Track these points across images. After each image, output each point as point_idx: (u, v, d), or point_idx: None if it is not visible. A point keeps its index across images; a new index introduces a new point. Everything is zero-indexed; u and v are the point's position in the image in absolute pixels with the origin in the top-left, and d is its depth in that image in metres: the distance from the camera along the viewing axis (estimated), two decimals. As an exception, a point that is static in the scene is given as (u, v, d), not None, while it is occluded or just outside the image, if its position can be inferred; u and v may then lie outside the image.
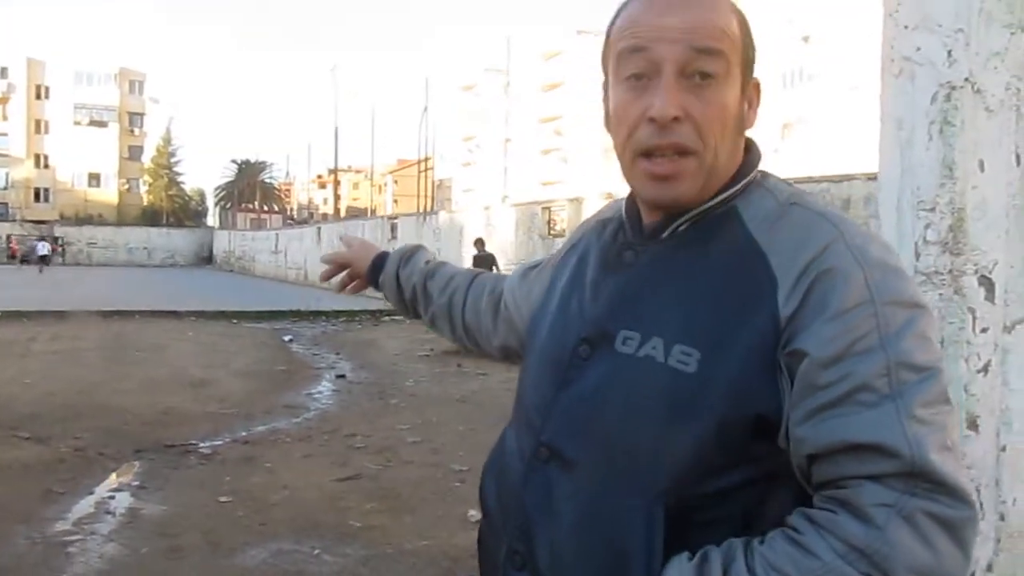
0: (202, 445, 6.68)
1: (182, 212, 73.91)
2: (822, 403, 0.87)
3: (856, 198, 9.77)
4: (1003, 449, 1.59)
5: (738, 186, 1.00)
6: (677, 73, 0.94)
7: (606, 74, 1.05)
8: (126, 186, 71.55)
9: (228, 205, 72.83)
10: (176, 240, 56.32)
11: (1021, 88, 1.59)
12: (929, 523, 0.83)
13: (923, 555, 0.82)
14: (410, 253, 1.59)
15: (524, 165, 52.62)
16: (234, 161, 79.32)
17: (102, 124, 69.26)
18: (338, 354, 12.87)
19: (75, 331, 14.54)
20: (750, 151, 1.03)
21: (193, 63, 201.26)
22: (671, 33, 0.94)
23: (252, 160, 79.18)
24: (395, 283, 1.56)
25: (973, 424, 1.55)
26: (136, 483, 5.66)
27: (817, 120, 31.18)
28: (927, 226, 1.62)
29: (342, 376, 10.75)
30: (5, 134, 66.57)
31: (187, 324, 16.55)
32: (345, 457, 6.43)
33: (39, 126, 68.00)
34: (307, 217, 74.61)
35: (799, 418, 0.88)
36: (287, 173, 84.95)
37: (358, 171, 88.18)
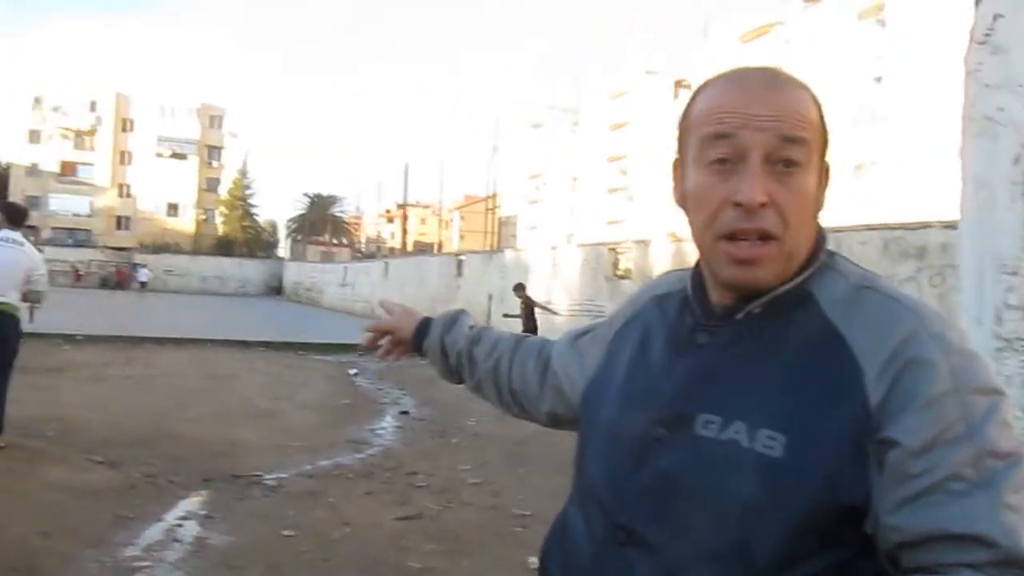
0: (267, 477, 6.78)
1: (254, 243, 75.78)
2: (915, 492, 0.88)
3: (932, 246, 9.51)
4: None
5: (812, 269, 1.01)
6: (763, 160, 0.96)
7: (682, 153, 1.07)
8: (203, 216, 74.01)
9: (299, 237, 74.60)
10: (248, 270, 57.70)
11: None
12: None
13: None
14: (454, 318, 1.59)
15: (589, 203, 52.62)
16: (306, 195, 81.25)
17: (182, 156, 72.06)
18: (402, 389, 12.93)
19: (148, 357, 14.96)
20: (819, 232, 1.04)
21: (268, 95, 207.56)
22: (759, 121, 0.96)
23: (324, 194, 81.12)
24: (440, 349, 1.57)
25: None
26: (203, 512, 5.76)
27: (889, 162, 30.65)
28: (1008, 289, 1.57)
29: (405, 412, 10.81)
30: (91, 164, 69.55)
31: (256, 354, 16.87)
32: (406, 495, 6.45)
33: (123, 157, 70.98)
34: (375, 251, 75.86)
35: (891, 506, 0.89)
36: (357, 207, 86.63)
37: (425, 206, 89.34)
